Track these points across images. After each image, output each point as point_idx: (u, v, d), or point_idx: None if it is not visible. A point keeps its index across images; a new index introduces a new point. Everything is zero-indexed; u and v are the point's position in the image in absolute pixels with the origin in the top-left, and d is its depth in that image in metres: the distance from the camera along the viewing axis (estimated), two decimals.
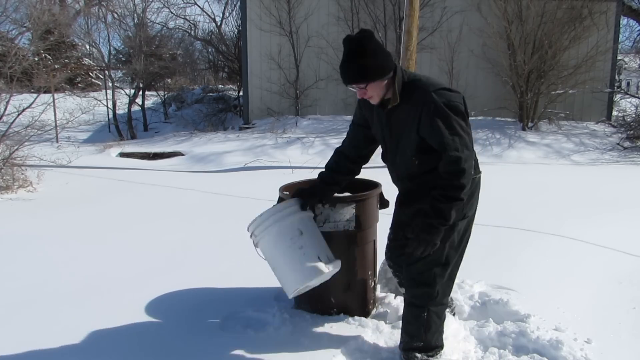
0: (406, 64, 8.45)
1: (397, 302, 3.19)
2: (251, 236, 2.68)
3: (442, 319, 2.59)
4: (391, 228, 2.90)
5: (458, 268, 2.60)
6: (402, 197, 2.72)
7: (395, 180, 2.68)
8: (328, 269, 2.61)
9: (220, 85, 18.26)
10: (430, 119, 2.27)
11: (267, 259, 2.69)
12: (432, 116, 2.26)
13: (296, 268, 2.57)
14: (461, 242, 2.54)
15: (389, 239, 2.94)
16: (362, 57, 2.27)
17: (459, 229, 2.48)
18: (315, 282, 2.67)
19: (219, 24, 18.35)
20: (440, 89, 2.31)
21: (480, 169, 2.57)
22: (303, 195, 2.73)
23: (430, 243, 2.33)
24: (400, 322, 2.80)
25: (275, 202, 3.05)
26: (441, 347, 2.61)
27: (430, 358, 2.56)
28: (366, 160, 2.84)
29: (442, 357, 2.61)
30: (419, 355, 2.54)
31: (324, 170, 2.84)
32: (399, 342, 2.65)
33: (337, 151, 2.85)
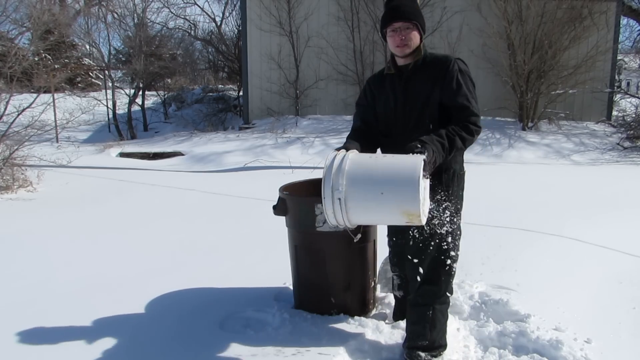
0: None
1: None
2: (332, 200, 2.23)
3: (445, 317, 2.61)
4: (388, 235, 2.92)
5: (456, 264, 2.63)
6: None
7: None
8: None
9: (220, 85, 18.26)
10: (455, 78, 2.42)
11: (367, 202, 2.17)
12: (458, 76, 2.43)
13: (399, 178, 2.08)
14: (459, 237, 2.60)
15: (389, 245, 2.95)
16: (413, 1, 2.50)
17: (458, 224, 2.54)
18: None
19: (219, 24, 18.38)
20: (459, 59, 2.51)
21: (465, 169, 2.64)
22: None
23: (432, 158, 2.19)
24: (400, 322, 2.80)
25: (275, 202, 3.06)
26: (444, 346, 2.62)
27: (433, 358, 2.57)
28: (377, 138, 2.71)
29: (444, 357, 2.61)
30: (422, 354, 2.55)
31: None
32: (402, 341, 2.66)
33: (353, 130, 2.73)
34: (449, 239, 2.51)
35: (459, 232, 2.59)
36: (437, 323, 2.55)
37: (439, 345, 2.59)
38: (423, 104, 2.47)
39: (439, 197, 2.47)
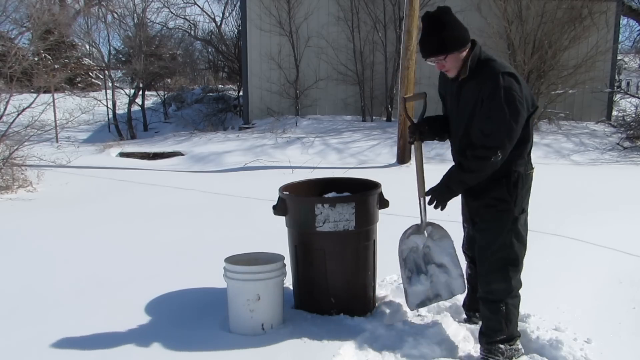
0: (406, 63, 8.46)
1: (397, 302, 3.19)
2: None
3: (518, 308, 2.66)
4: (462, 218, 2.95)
5: (524, 258, 2.68)
6: None
7: (453, 154, 2.75)
8: None
9: (220, 85, 18.23)
10: (487, 95, 2.38)
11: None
12: (490, 93, 2.36)
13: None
14: (525, 236, 2.63)
15: (463, 228, 2.98)
16: (440, 30, 2.40)
17: (521, 222, 2.58)
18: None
19: (219, 24, 18.34)
20: (508, 73, 2.39)
21: (533, 165, 2.65)
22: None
23: (439, 199, 2.58)
24: (400, 322, 2.80)
25: (275, 202, 3.06)
26: (519, 335, 2.67)
27: (511, 347, 2.62)
28: None
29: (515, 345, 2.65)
30: (502, 346, 2.59)
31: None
32: (477, 338, 2.71)
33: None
34: (512, 238, 2.55)
35: (524, 229, 2.62)
36: (512, 317, 2.60)
37: (515, 336, 2.65)
38: (470, 115, 2.50)
39: (499, 202, 2.52)
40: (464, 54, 2.46)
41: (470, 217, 2.73)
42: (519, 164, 2.53)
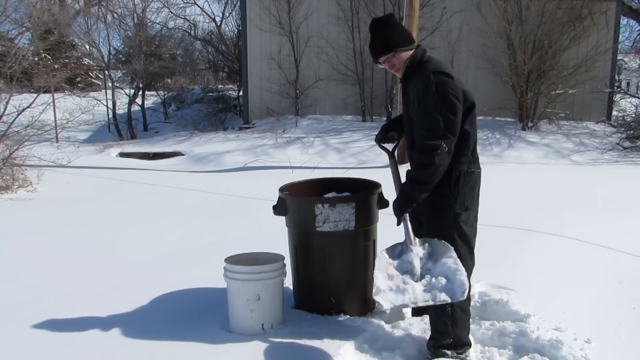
0: None
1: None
2: None
3: (467, 314, 2.62)
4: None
5: (474, 263, 2.65)
6: None
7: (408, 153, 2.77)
8: None
9: (220, 85, 18.24)
10: (421, 94, 2.47)
11: None
12: (423, 91, 2.46)
13: None
14: (469, 235, 2.58)
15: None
16: (384, 31, 2.58)
17: (464, 220, 2.54)
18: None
19: (218, 24, 18.35)
20: (440, 72, 2.48)
21: (480, 166, 2.63)
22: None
23: (395, 212, 2.55)
24: (401, 322, 2.80)
25: (275, 202, 3.06)
26: (469, 345, 2.64)
27: (459, 355, 2.59)
28: None
29: (470, 355, 2.62)
30: (448, 352, 2.56)
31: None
32: (406, 340, 2.69)
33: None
34: (454, 235, 2.52)
35: (469, 229, 2.58)
36: (459, 319, 2.56)
37: (464, 344, 2.61)
38: (413, 113, 2.56)
39: (441, 198, 2.50)
40: (410, 53, 2.59)
41: (415, 214, 2.65)
42: (462, 161, 2.52)
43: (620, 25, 13.65)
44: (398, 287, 2.41)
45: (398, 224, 2.57)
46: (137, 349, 2.71)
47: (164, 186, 7.30)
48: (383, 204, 3.12)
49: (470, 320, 3.01)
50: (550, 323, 2.92)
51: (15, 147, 7.07)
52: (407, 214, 2.54)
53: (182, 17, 18.33)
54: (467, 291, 2.35)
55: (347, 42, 12.23)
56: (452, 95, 2.43)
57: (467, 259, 2.57)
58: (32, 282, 3.70)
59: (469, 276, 2.51)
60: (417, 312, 2.97)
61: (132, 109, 14.57)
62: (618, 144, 10.39)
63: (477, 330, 2.90)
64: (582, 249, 4.23)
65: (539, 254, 4.07)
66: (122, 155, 10.73)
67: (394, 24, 2.61)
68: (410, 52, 2.59)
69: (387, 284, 2.44)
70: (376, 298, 2.41)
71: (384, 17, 2.66)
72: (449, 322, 2.54)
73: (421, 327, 2.90)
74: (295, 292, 3.23)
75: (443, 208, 2.53)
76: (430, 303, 2.35)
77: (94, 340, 2.83)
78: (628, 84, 15.86)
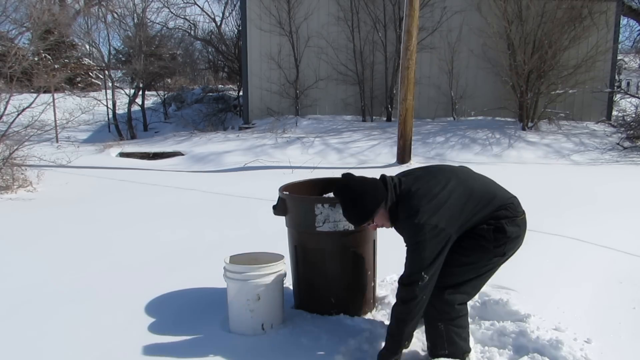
0: (406, 63, 8.46)
1: None
2: None
3: (463, 326, 2.59)
4: None
5: (479, 288, 2.64)
6: None
7: None
8: None
9: (220, 85, 18.24)
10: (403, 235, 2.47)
11: None
12: (404, 236, 2.45)
13: None
14: (490, 274, 2.59)
15: None
16: (355, 200, 2.48)
17: (493, 263, 2.53)
18: None
19: (218, 24, 18.33)
20: (412, 214, 2.38)
21: (522, 211, 2.61)
22: None
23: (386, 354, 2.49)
24: None
25: (275, 202, 3.06)
26: (468, 351, 2.63)
27: None
28: None
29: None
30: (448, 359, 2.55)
31: None
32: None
33: None
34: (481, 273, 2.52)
35: (493, 270, 2.58)
36: (454, 336, 2.54)
37: (464, 352, 2.60)
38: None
39: (480, 239, 2.47)
40: (383, 212, 2.50)
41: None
42: (496, 216, 2.49)
43: (620, 25, 13.65)
44: None
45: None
46: (137, 349, 2.71)
47: (163, 186, 7.30)
48: None
49: (470, 320, 3.03)
50: (550, 323, 2.92)
51: (15, 147, 7.07)
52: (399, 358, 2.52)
53: (182, 17, 18.32)
54: None
55: (347, 42, 12.23)
56: (428, 233, 2.34)
57: (461, 283, 2.53)
58: (31, 282, 3.70)
59: (460, 295, 2.52)
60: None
61: (132, 109, 14.57)
62: (618, 144, 10.39)
63: (477, 330, 2.90)
64: (582, 249, 4.23)
65: (539, 254, 4.07)
66: (122, 155, 10.73)
67: (360, 191, 2.48)
68: (385, 206, 2.49)
69: None
70: None
71: (346, 184, 2.53)
72: (442, 338, 2.54)
73: (422, 328, 2.89)
74: (295, 292, 3.23)
75: (480, 245, 2.47)
76: None
77: (93, 340, 2.83)
78: (628, 84, 15.86)
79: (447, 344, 2.54)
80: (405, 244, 2.45)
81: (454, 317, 2.53)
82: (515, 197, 2.62)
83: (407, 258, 2.43)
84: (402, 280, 2.42)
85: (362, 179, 2.56)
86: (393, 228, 2.58)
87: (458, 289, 2.51)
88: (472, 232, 2.46)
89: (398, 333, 2.46)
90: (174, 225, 5.23)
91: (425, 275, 2.35)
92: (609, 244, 4.28)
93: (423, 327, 2.70)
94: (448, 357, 2.55)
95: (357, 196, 2.49)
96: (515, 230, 2.52)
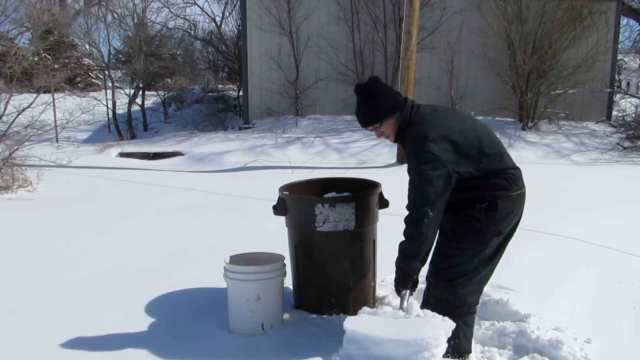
0: (406, 63, 8.46)
1: (396, 302, 3.18)
2: None
3: (469, 325, 2.59)
4: None
5: (488, 278, 2.64)
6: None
7: None
8: None
9: (220, 85, 18.23)
10: (407, 159, 2.48)
11: None
12: (407, 158, 2.47)
13: None
14: (494, 256, 2.57)
15: None
16: (371, 100, 2.53)
17: (492, 244, 2.51)
18: None
19: (218, 24, 18.34)
20: (420, 138, 2.39)
21: (523, 184, 2.61)
22: None
23: (396, 289, 2.53)
24: None
25: (275, 202, 3.06)
26: (469, 352, 2.63)
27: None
28: None
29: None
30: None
31: None
32: None
33: None
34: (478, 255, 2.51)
35: (500, 251, 2.58)
36: (460, 332, 2.52)
37: (465, 352, 2.60)
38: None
39: (472, 220, 2.47)
40: (398, 117, 2.53)
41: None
42: (493, 186, 2.46)
43: (620, 25, 13.65)
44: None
45: (402, 297, 2.50)
46: (137, 349, 2.71)
47: (163, 186, 7.30)
48: (383, 204, 3.12)
49: None
50: (550, 323, 2.92)
51: (15, 147, 7.07)
52: (408, 291, 2.49)
53: (182, 17, 18.34)
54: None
55: (347, 42, 12.23)
56: (429, 164, 2.33)
57: (481, 275, 2.55)
58: (31, 282, 3.70)
59: (481, 289, 2.57)
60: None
61: (132, 109, 14.57)
62: (618, 144, 10.39)
63: (477, 330, 2.90)
64: (582, 249, 4.23)
65: (539, 254, 4.07)
66: (122, 155, 10.73)
67: (379, 93, 2.53)
68: (398, 117, 2.52)
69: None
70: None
71: (370, 84, 2.57)
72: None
73: None
74: (295, 292, 3.23)
75: (473, 228, 2.47)
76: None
77: (93, 340, 2.83)
78: (628, 84, 15.87)
79: (452, 341, 2.52)
80: (408, 175, 2.45)
81: (463, 312, 2.53)
82: (518, 168, 2.62)
83: (410, 192, 2.42)
84: (408, 218, 2.42)
85: (387, 86, 2.60)
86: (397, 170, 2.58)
87: (467, 280, 2.52)
88: (465, 215, 2.46)
89: (405, 267, 2.45)
90: (173, 225, 5.23)
91: (430, 212, 2.36)
92: (609, 244, 4.28)
93: None
94: (449, 352, 2.54)
95: (376, 97, 2.53)
96: (508, 205, 2.50)
